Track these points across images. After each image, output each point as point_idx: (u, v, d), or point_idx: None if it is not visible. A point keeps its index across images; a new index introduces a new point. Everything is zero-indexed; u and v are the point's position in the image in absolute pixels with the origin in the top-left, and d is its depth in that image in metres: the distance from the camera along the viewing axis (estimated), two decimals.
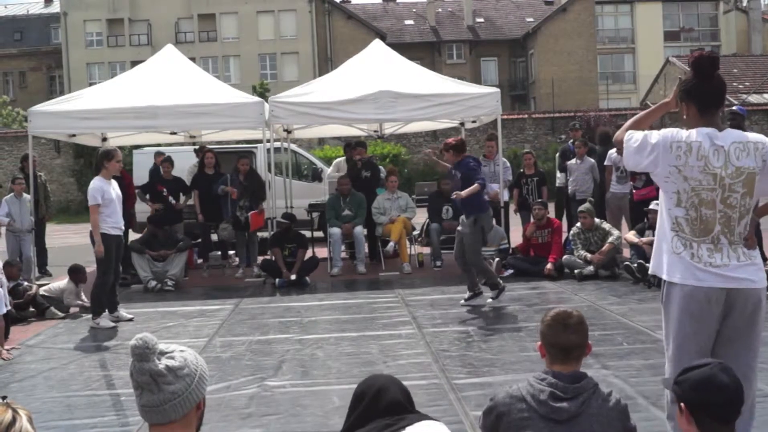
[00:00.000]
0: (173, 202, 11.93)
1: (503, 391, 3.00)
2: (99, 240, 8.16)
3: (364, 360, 6.53)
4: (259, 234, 12.44)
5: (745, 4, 56.55)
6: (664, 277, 3.60)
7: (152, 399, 2.19)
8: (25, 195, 11.75)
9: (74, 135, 12.81)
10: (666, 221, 3.64)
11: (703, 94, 3.63)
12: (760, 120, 32.04)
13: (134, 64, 22.36)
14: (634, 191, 11.06)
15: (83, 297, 9.42)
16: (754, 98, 35.34)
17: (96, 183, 8.27)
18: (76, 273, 9.54)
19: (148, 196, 12.03)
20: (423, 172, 29.75)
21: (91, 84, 36.01)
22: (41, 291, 9.37)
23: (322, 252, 12.40)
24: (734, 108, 10.81)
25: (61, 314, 9.13)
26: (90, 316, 8.54)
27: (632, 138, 3.68)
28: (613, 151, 11.50)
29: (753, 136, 3.64)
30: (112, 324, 8.40)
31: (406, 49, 40.95)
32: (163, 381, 2.18)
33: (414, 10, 57.28)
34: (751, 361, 3.60)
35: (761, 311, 3.57)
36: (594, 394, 2.89)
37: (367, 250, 12.32)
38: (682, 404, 2.54)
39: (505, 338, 7.12)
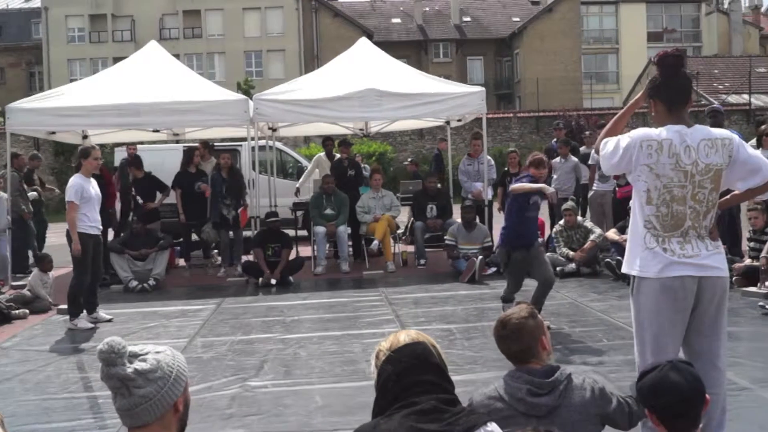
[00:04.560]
0: (141, 202, 11.87)
1: (479, 393, 3.04)
2: (76, 238, 8.02)
3: (347, 359, 6.49)
4: (244, 233, 12.39)
5: (726, 6, 56.97)
6: (636, 273, 3.70)
7: (124, 403, 2.17)
8: (1, 193, 11.58)
9: (54, 132, 12.69)
10: (638, 219, 3.74)
11: (670, 91, 3.73)
12: (739, 120, 32.31)
13: (117, 60, 22.19)
14: (617, 188, 11.12)
15: (48, 287, 9.47)
16: (733, 98, 35.61)
17: (75, 180, 8.15)
18: (41, 261, 9.70)
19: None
20: (408, 170, 29.74)
21: (72, 80, 35.71)
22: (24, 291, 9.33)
23: (306, 251, 12.35)
24: (715, 106, 11.08)
25: (27, 315, 9.00)
26: (67, 317, 8.38)
27: (606, 144, 3.80)
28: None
29: (719, 132, 3.74)
30: (91, 325, 8.28)
31: (393, 47, 40.92)
32: (133, 385, 2.15)
33: (401, 9, 57.21)
34: (719, 350, 3.73)
35: (726, 299, 3.71)
36: (569, 384, 2.94)
37: (351, 248, 12.29)
38: (646, 409, 2.61)
39: (487, 336, 7.09)
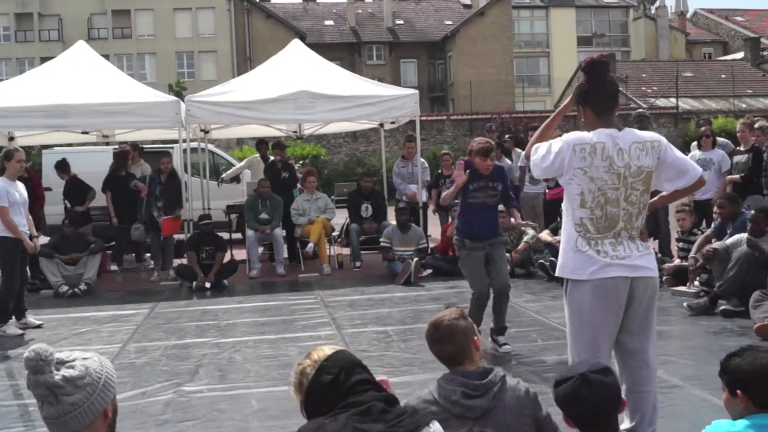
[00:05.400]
0: (68, 205, 11.66)
1: (415, 397, 3.05)
2: (24, 237, 7.93)
3: (283, 362, 6.46)
4: (176, 236, 12.21)
5: (653, 11, 58.52)
6: (570, 276, 3.75)
7: (52, 411, 2.13)
8: None
9: None
10: (570, 223, 3.78)
11: (597, 97, 3.80)
12: (666, 123, 33.20)
13: (44, 60, 21.62)
14: (547, 191, 11.32)
15: None
16: (661, 102, 36.57)
17: None
18: None
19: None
20: (343, 173, 29.77)
21: None
22: None
23: (240, 254, 12.25)
24: (641, 110, 11.69)
25: None
26: None
27: (537, 149, 3.84)
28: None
29: (647, 134, 3.83)
30: (20, 331, 8.07)
31: (326, 49, 40.89)
32: (62, 392, 2.11)
33: (334, 11, 57.21)
34: (649, 348, 3.81)
35: (656, 299, 3.80)
36: (503, 386, 2.98)
37: (286, 251, 12.24)
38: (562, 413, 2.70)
39: (423, 337, 7.10)
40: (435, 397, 2.98)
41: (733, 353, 2.88)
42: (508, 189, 6.87)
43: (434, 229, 12.86)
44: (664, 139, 3.83)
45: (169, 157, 12.01)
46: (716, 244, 8.11)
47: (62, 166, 12.06)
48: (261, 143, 13.73)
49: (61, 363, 2.16)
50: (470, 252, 6.52)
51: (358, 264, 11.84)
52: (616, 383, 2.71)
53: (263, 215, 11.65)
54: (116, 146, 13.40)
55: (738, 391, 2.77)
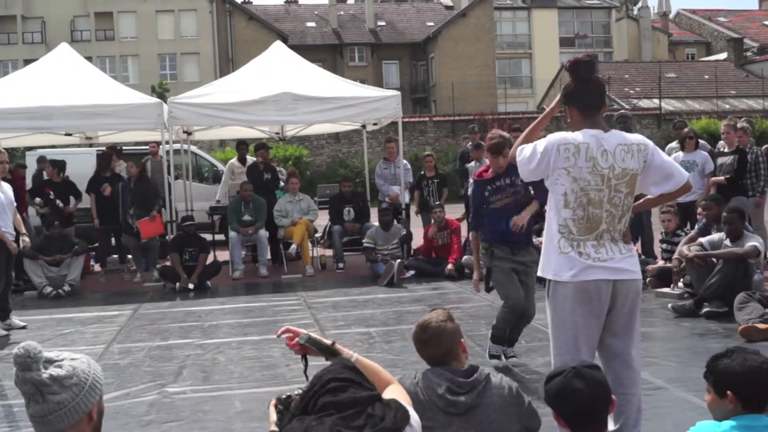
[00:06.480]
0: (61, 205, 11.61)
1: (408, 380, 3.08)
2: (6, 239, 7.94)
3: (266, 363, 6.50)
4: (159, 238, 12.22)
5: (635, 12, 58.84)
6: (551, 277, 3.74)
7: (38, 409, 2.15)
8: None
9: None
10: (553, 224, 3.77)
11: (583, 98, 3.78)
12: (649, 124, 33.42)
13: (27, 62, 21.49)
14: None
15: None
16: (644, 103, 36.78)
17: None
18: None
19: (36, 200, 11.71)
20: (325, 174, 29.78)
21: None
22: None
23: (223, 255, 12.27)
24: (623, 111, 11.75)
25: None
26: None
27: (523, 151, 3.81)
28: None
29: (634, 137, 3.82)
30: (4, 332, 8.07)
31: (308, 51, 40.86)
32: (48, 391, 2.14)
33: (316, 12, 57.16)
34: (632, 350, 3.80)
35: (639, 300, 3.80)
36: (488, 384, 3.02)
37: (269, 252, 12.27)
38: (553, 412, 2.69)
39: (406, 339, 7.19)
40: (421, 386, 3.02)
41: (721, 354, 2.87)
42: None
43: (417, 230, 12.91)
44: (651, 143, 3.82)
45: (133, 161, 11.92)
46: (697, 249, 8.08)
47: (60, 166, 11.99)
48: (241, 144, 13.74)
49: (50, 362, 2.19)
50: (498, 263, 5.90)
51: (341, 265, 11.87)
52: (606, 380, 2.72)
53: (246, 217, 11.68)
54: (101, 148, 13.37)
55: (728, 393, 2.76)
